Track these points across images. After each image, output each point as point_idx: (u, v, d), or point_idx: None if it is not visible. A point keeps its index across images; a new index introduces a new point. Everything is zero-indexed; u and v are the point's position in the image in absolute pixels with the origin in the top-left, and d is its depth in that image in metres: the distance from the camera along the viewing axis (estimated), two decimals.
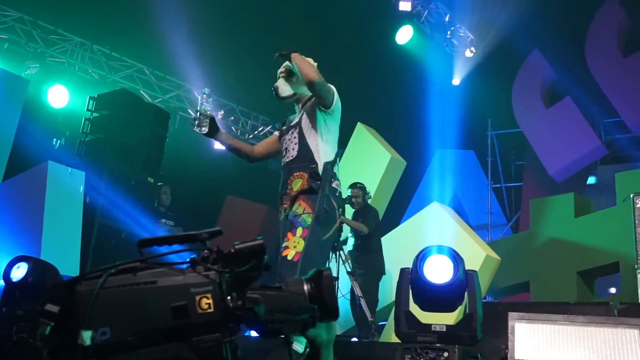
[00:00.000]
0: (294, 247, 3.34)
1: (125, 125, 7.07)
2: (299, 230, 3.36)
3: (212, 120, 3.60)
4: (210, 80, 10.33)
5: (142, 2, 8.22)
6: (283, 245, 3.39)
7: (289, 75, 3.66)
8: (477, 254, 6.13)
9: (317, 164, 3.49)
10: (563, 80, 10.29)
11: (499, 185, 11.80)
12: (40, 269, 4.19)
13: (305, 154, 3.54)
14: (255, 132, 11.35)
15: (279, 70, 3.72)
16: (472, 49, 11.41)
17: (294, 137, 3.61)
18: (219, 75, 9.86)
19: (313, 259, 3.33)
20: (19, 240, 5.39)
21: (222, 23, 9.18)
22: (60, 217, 5.47)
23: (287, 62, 3.65)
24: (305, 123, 3.59)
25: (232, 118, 11.10)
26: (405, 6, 10.16)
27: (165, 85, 10.24)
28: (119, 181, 6.68)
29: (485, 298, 7.58)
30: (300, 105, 3.74)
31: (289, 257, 3.31)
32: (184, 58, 9.56)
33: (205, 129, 3.56)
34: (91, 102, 7.25)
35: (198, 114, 3.56)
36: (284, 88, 3.67)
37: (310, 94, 3.63)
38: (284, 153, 3.68)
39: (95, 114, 7.19)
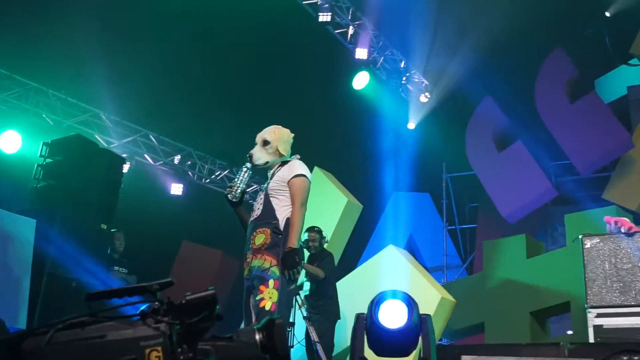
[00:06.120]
0: (269, 297, 3.52)
1: (78, 171, 6.95)
2: (271, 282, 3.54)
3: (243, 193, 3.86)
4: (167, 124, 10.32)
5: (97, 48, 8.21)
6: (258, 298, 3.55)
7: (264, 144, 3.85)
8: (432, 297, 6.18)
9: (278, 220, 3.66)
10: (514, 125, 10.59)
11: (453, 227, 11.96)
12: None
13: (269, 212, 3.72)
14: (212, 177, 11.29)
15: (257, 139, 3.89)
16: (427, 94, 11.70)
17: (260, 199, 3.81)
18: (176, 119, 9.85)
19: (284, 307, 3.59)
20: None
21: (181, 68, 9.23)
22: (8, 267, 5.30)
23: (264, 132, 3.87)
24: (272, 188, 3.79)
25: (189, 162, 11.03)
26: (361, 53, 10.40)
27: (122, 130, 10.16)
28: (71, 228, 6.51)
29: (441, 340, 7.61)
30: (270, 172, 3.91)
31: (267, 308, 3.49)
32: (140, 102, 9.54)
33: (236, 199, 3.81)
34: (44, 148, 7.14)
35: (237, 185, 3.79)
36: (259, 155, 3.85)
37: (281, 162, 3.87)
38: (251, 213, 3.85)
39: (48, 160, 7.07)
